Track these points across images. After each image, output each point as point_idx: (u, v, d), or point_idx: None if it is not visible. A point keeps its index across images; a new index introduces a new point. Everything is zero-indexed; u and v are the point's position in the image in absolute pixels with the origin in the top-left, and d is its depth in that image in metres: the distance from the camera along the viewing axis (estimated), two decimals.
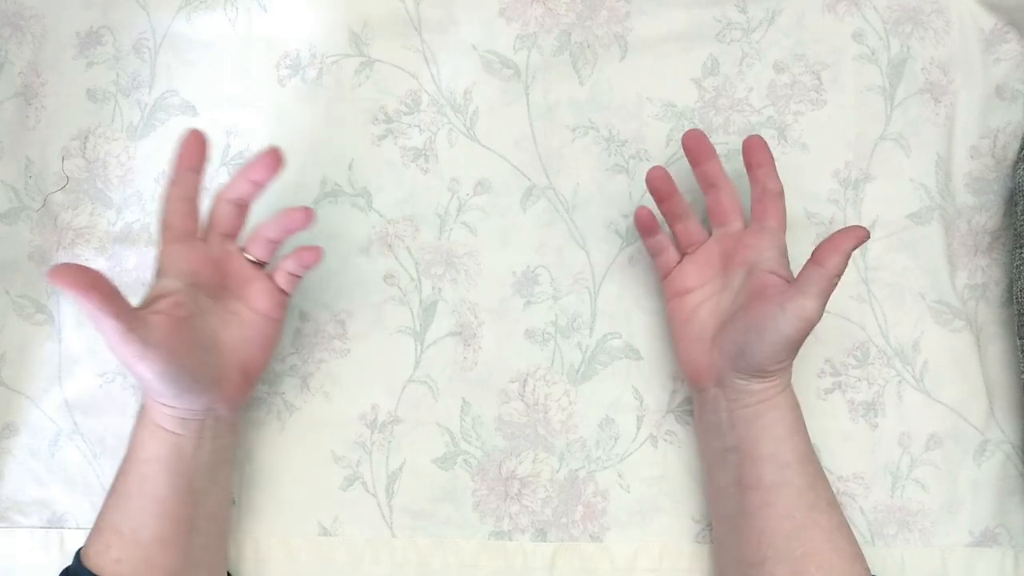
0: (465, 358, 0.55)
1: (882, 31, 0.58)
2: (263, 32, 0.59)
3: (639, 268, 0.56)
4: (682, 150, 0.56)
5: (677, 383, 0.55)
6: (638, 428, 0.54)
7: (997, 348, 0.55)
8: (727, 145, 0.57)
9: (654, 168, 0.50)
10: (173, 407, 0.45)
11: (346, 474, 0.54)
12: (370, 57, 0.58)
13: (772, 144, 0.57)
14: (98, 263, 0.56)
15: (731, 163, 0.57)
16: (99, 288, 0.39)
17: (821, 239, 0.55)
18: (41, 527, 0.53)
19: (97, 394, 0.55)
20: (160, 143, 0.58)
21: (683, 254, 0.52)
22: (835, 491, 0.53)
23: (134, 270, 0.56)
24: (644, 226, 0.51)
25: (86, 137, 0.58)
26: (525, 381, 0.55)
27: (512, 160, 0.57)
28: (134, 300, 0.55)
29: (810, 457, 0.46)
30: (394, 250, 0.57)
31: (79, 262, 0.56)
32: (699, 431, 0.51)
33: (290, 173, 0.56)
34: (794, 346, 0.44)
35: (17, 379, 0.56)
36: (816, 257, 0.43)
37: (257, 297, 0.49)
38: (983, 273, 0.56)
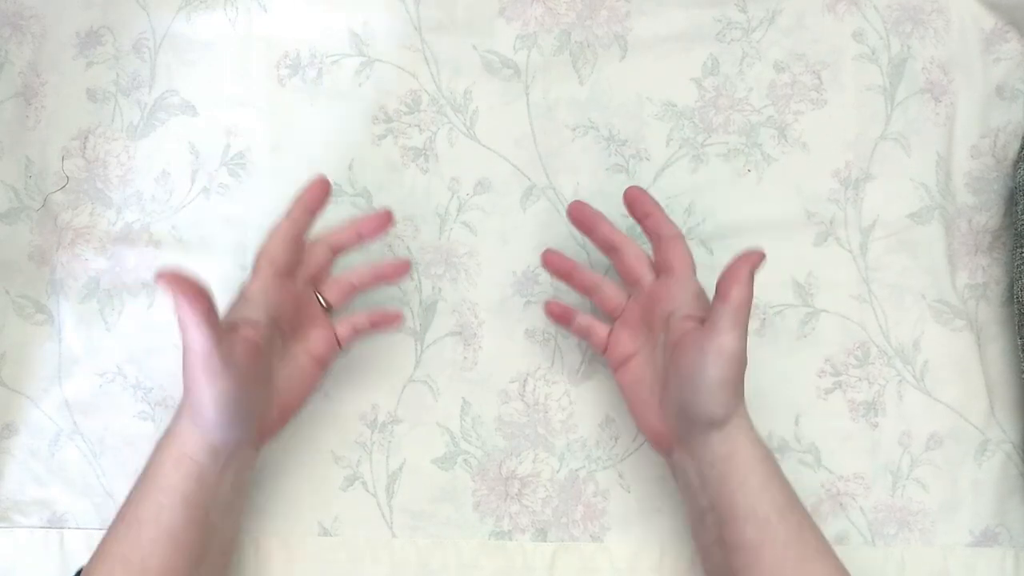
0: (465, 358, 0.55)
1: (882, 31, 0.58)
2: (263, 32, 0.59)
3: None
4: (680, 151, 0.57)
5: None
6: (638, 428, 0.54)
7: (997, 347, 0.55)
8: (727, 144, 0.57)
9: (546, 252, 0.51)
10: (211, 435, 0.43)
11: (346, 474, 0.54)
12: (370, 57, 0.58)
13: (772, 144, 0.57)
14: (98, 263, 0.56)
15: (731, 162, 0.57)
16: (202, 300, 0.39)
17: (821, 239, 0.56)
18: (41, 527, 0.53)
19: (97, 394, 0.55)
20: (160, 143, 0.58)
21: (615, 320, 0.50)
22: (835, 491, 0.53)
23: (134, 270, 0.56)
24: (558, 317, 0.51)
25: (86, 137, 0.58)
26: (525, 381, 0.55)
27: (512, 160, 0.57)
28: (133, 299, 0.56)
29: (791, 506, 0.44)
30: (394, 250, 0.57)
31: (79, 262, 0.56)
32: (678, 491, 0.49)
33: (290, 173, 0.56)
34: (729, 385, 0.42)
35: (17, 379, 0.56)
36: (719, 293, 0.42)
37: (317, 342, 0.49)
38: (983, 272, 0.56)
